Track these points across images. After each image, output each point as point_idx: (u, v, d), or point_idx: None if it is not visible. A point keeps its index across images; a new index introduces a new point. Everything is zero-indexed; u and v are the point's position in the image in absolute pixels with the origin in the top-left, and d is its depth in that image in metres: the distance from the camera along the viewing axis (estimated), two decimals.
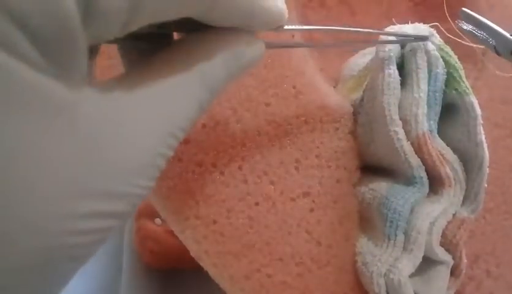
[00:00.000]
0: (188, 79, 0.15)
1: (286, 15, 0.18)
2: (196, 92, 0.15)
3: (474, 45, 0.26)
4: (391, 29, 0.23)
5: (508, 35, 0.21)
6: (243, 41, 0.17)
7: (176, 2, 0.14)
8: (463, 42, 0.25)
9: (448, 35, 0.25)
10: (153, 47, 0.16)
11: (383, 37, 0.23)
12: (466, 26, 0.22)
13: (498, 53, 0.21)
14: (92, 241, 0.12)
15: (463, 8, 0.23)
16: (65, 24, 0.11)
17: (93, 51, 0.17)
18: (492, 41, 0.22)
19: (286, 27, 0.18)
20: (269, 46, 0.19)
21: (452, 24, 0.25)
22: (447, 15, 0.26)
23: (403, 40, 0.22)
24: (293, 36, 0.26)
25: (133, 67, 0.15)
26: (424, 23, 0.24)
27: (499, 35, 0.21)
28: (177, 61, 0.15)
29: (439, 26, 0.24)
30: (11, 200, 0.11)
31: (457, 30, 0.25)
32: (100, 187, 0.12)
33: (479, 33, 0.22)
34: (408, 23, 0.24)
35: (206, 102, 0.16)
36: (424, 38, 0.22)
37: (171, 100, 0.14)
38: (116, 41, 0.16)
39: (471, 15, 0.23)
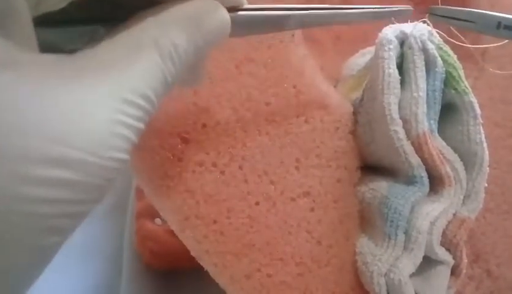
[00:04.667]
0: (141, 45, 0.15)
1: None
2: (153, 58, 0.15)
3: (472, 46, 0.26)
4: (389, 28, 0.23)
5: (487, 12, 0.21)
6: (199, 5, 0.16)
7: None
8: (461, 44, 0.25)
9: (448, 37, 0.25)
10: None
11: (385, 35, 0.23)
12: (438, 21, 0.23)
13: (483, 33, 0.22)
14: (60, 212, 0.12)
15: (431, 6, 0.23)
16: None
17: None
18: (470, 26, 0.22)
19: (245, 6, 0.18)
20: (242, 20, 0.18)
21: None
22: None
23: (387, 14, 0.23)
24: (293, 35, 0.26)
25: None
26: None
27: (478, 15, 0.21)
28: (131, 31, 0.15)
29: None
30: None
31: (456, 31, 0.25)
32: (53, 152, 0.12)
33: (454, 23, 0.22)
34: (407, 22, 0.24)
35: (170, 72, 0.15)
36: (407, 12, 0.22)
37: (123, 67, 0.14)
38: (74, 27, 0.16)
39: (442, 9, 0.23)
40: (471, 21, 0.22)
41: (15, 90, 0.12)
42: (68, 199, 0.12)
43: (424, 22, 0.23)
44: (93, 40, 0.15)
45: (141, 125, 0.14)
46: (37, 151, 0.11)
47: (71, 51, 0.15)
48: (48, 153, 0.12)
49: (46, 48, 0.15)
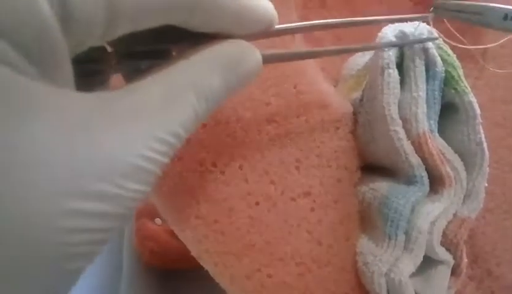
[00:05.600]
0: (180, 87, 0.15)
1: (275, 13, 0.18)
2: (189, 100, 0.15)
3: (472, 47, 0.26)
4: (388, 28, 0.23)
5: (494, 4, 0.21)
6: (238, 49, 0.17)
7: (155, 7, 0.14)
8: (460, 44, 0.25)
9: (446, 37, 0.25)
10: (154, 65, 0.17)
11: (385, 35, 0.23)
12: (443, 15, 0.22)
13: (489, 26, 0.21)
14: (88, 240, 0.13)
15: (436, 1, 0.23)
16: (46, 35, 0.12)
17: (104, 82, 0.18)
18: (476, 18, 0.22)
19: (277, 26, 0.19)
20: (270, 59, 0.19)
21: (448, 25, 0.25)
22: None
23: (408, 43, 0.23)
24: (294, 35, 0.26)
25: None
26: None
27: (485, 7, 0.21)
28: (171, 71, 0.16)
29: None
30: (5, 197, 0.11)
31: (454, 31, 0.25)
32: (88, 187, 0.12)
33: (460, 16, 0.22)
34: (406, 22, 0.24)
35: (203, 111, 0.16)
36: (431, 39, 0.22)
37: (160, 106, 0.15)
38: (118, 63, 0.17)
39: (447, 4, 0.23)
40: (477, 14, 0.21)
41: (55, 131, 0.12)
42: (96, 229, 0.13)
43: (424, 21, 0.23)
44: (135, 75, 0.16)
45: (167, 160, 0.15)
46: (73, 186, 0.12)
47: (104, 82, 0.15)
48: (83, 187, 0.12)
49: (86, 82, 0.15)
